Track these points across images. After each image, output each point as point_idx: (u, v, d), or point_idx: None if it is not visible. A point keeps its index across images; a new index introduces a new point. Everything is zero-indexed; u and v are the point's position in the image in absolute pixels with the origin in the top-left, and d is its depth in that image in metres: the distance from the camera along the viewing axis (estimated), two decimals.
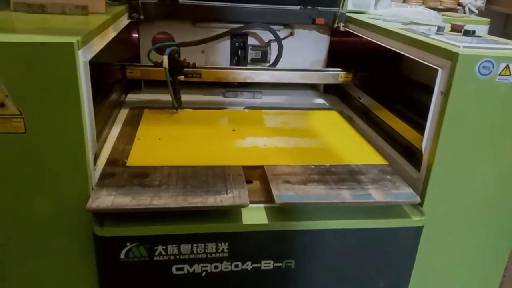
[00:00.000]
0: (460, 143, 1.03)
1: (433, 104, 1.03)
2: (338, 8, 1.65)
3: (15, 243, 0.97)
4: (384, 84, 1.58)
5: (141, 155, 1.15)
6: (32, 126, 0.88)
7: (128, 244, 0.92)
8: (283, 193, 0.99)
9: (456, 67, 0.95)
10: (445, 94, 0.99)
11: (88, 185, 0.94)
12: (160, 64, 1.39)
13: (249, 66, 1.74)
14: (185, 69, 1.50)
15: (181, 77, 1.49)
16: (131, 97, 1.69)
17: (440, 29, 1.21)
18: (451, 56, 0.97)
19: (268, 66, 1.76)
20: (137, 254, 0.93)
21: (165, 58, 1.36)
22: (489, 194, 1.11)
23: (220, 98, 1.75)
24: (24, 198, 0.93)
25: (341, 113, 1.61)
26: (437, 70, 1.01)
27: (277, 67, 1.76)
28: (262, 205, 1.02)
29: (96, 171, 1.03)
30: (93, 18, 1.15)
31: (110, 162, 1.09)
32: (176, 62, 1.45)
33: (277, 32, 1.72)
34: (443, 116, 0.99)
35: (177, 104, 1.48)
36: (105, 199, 0.91)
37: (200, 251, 0.95)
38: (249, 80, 1.64)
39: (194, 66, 1.55)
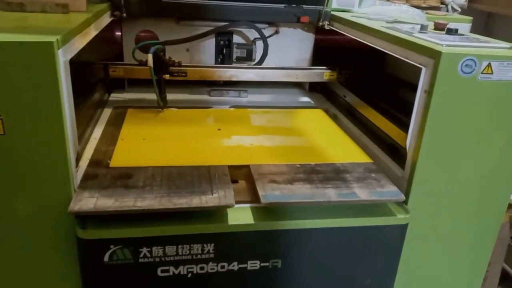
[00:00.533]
0: (443, 141, 1.04)
1: (417, 103, 1.04)
2: (322, 7, 1.66)
3: None
4: (368, 82, 1.59)
5: (124, 155, 1.13)
6: (11, 127, 0.85)
7: (112, 246, 0.90)
8: (269, 193, 0.99)
9: (439, 66, 0.96)
10: (429, 93, 0.99)
11: (70, 187, 0.93)
12: (144, 63, 1.37)
13: (234, 65, 1.73)
14: (170, 68, 1.48)
15: (167, 76, 1.47)
16: (115, 96, 1.67)
17: (423, 28, 1.21)
18: (434, 55, 0.98)
19: (254, 64, 1.76)
20: (121, 256, 0.92)
21: (149, 57, 1.34)
22: (472, 191, 1.12)
23: (205, 97, 1.74)
24: (4, 200, 0.91)
25: (326, 111, 1.61)
26: (421, 68, 1.02)
27: (263, 65, 1.76)
28: (248, 205, 1.01)
29: (78, 172, 1.01)
30: (74, 17, 1.12)
31: (93, 163, 1.08)
32: (161, 61, 1.43)
33: (262, 30, 1.72)
34: (427, 114, 1.00)
35: (163, 103, 1.47)
36: (88, 201, 0.90)
37: (186, 252, 0.94)
38: (234, 79, 1.63)
39: (180, 65, 1.53)
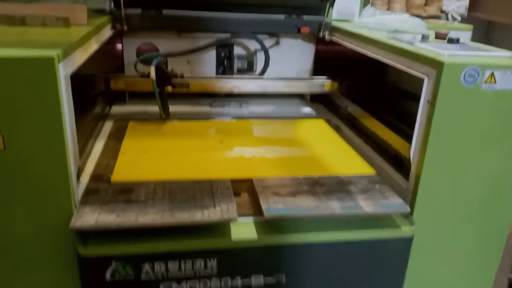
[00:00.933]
0: (448, 151, 1.03)
1: (420, 113, 1.03)
2: (323, 17, 1.66)
3: None
4: (370, 92, 1.58)
5: (126, 169, 1.12)
6: (11, 142, 0.85)
7: (113, 263, 0.89)
8: (272, 206, 0.97)
9: (442, 76, 0.95)
10: (432, 103, 0.99)
11: (71, 203, 0.92)
12: (147, 75, 1.37)
13: (236, 76, 1.72)
14: (173, 80, 1.48)
15: (169, 88, 1.46)
16: (116, 109, 1.66)
17: (424, 37, 1.21)
18: (437, 65, 0.97)
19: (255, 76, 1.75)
20: (123, 273, 0.90)
21: (152, 69, 1.34)
22: (478, 202, 1.11)
23: (206, 109, 1.74)
24: (4, 216, 0.90)
25: (328, 122, 1.60)
26: (423, 78, 1.01)
27: (263, 76, 1.75)
28: (251, 219, 1.00)
29: (79, 187, 1.00)
30: (75, 30, 1.12)
31: (94, 178, 1.07)
32: (164, 73, 1.42)
33: (263, 41, 1.72)
34: (430, 124, 0.99)
35: (165, 115, 1.46)
36: (89, 217, 0.89)
37: (188, 268, 0.93)
38: (235, 90, 1.63)
39: (182, 77, 1.53)
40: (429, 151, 1.01)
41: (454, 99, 0.99)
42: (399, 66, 1.13)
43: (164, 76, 1.42)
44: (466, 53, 1.05)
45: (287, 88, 1.68)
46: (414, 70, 1.06)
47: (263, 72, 1.76)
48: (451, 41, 1.19)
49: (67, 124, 0.88)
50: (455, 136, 1.02)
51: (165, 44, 1.66)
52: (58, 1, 1.33)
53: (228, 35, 1.69)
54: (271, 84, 1.66)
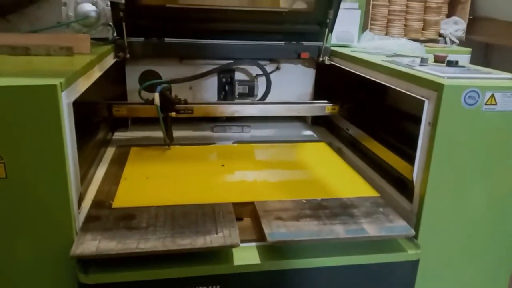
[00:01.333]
0: (451, 173, 1.02)
1: (422, 135, 1.03)
2: (322, 43, 1.68)
3: None
4: (371, 115, 1.59)
5: (127, 195, 1.12)
6: (13, 170, 0.85)
7: None
8: (275, 231, 0.96)
9: (442, 98, 0.96)
10: (433, 125, 0.99)
11: (72, 230, 0.91)
12: (151, 102, 1.38)
13: (237, 101, 1.74)
14: (176, 106, 1.49)
15: (173, 114, 1.48)
16: (118, 135, 1.67)
17: (423, 61, 1.22)
18: (437, 87, 0.98)
19: (256, 100, 1.77)
20: None
21: (156, 96, 1.35)
22: (484, 222, 1.10)
23: (208, 133, 1.74)
24: (4, 244, 0.89)
25: (330, 144, 1.61)
26: (424, 101, 1.02)
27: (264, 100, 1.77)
28: (253, 244, 0.99)
29: (80, 214, 1.00)
30: (78, 59, 1.14)
31: (95, 204, 1.06)
32: (168, 99, 1.44)
33: (264, 66, 1.74)
34: (432, 146, 0.99)
35: (169, 140, 1.47)
36: (90, 244, 0.88)
37: None
38: (236, 114, 1.64)
39: (186, 102, 1.54)
40: (432, 173, 1.01)
41: (455, 121, 0.99)
42: (399, 89, 1.14)
43: (168, 102, 1.44)
44: (465, 75, 1.06)
45: (288, 112, 1.69)
46: (414, 92, 1.07)
47: (264, 96, 1.77)
48: (450, 63, 1.20)
49: (69, 152, 0.88)
50: (457, 157, 1.02)
51: (167, 71, 1.69)
52: (62, 31, 1.36)
53: (229, 61, 1.71)
54: (272, 108, 1.67)
